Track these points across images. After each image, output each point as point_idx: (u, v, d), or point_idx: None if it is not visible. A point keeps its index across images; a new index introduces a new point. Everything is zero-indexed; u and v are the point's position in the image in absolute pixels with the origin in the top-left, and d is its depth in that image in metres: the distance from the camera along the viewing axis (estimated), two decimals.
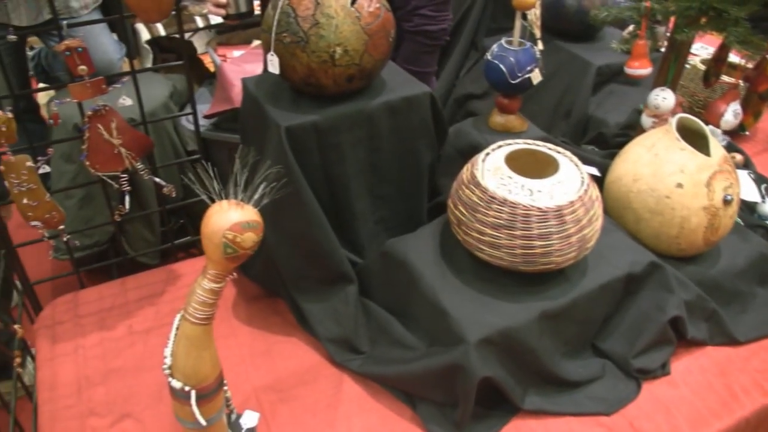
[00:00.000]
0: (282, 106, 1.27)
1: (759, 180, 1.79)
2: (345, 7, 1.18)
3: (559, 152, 1.26)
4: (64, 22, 1.31)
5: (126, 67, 2.57)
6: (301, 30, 1.18)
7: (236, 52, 2.74)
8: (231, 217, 0.92)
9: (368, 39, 1.20)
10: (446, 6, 1.59)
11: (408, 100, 1.32)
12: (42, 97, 3.26)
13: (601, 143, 1.95)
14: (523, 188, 1.17)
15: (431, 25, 1.58)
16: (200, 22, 2.75)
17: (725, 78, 1.97)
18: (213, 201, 0.96)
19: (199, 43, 3.35)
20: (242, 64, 2.54)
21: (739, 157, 1.91)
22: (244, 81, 1.37)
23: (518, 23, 1.42)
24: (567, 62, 2.13)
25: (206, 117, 2.53)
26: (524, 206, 1.14)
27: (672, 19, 1.51)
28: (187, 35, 3.16)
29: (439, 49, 1.63)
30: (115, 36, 2.44)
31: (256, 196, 0.96)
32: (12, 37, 1.28)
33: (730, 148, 1.92)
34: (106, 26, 2.39)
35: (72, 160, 2.19)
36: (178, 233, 2.22)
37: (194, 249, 2.52)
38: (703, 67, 2.05)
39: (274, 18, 1.21)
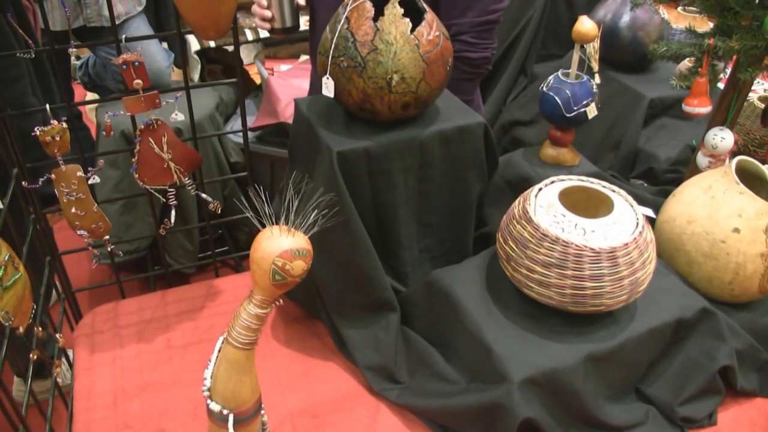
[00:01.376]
0: (334, 130, 1.27)
1: None
2: (404, 34, 1.17)
3: (614, 191, 1.23)
4: (123, 36, 1.33)
5: (175, 76, 2.61)
6: (359, 55, 1.17)
7: (283, 66, 2.77)
8: (282, 244, 0.92)
9: (426, 67, 1.19)
10: (490, 34, 1.56)
11: (461, 129, 1.30)
12: (88, 111, 3.33)
13: (650, 178, 1.91)
14: (577, 227, 1.14)
15: (472, 53, 1.57)
16: (250, 35, 2.78)
17: None
18: (263, 225, 0.95)
19: (245, 53, 3.39)
20: (289, 79, 2.55)
21: None
22: (297, 102, 1.37)
23: (576, 56, 1.39)
24: (619, 93, 2.10)
25: (251, 130, 2.55)
26: (577, 246, 1.11)
27: (734, 57, 1.47)
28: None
29: (479, 77, 1.60)
30: (165, 44, 2.48)
31: (307, 223, 0.95)
32: (72, 50, 1.29)
33: None
34: (153, 34, 2.42)
35: (117, 166, 2.22)
36: (215, 242, 2.23)
37: (230, 260, 2.54)
38: (761, 105, 2.00)
39: (332, 41, 1.20)
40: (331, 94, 1.24)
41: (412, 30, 1.18)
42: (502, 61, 2.43)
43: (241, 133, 1.59)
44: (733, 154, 1.61)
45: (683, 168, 1.86)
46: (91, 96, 3.16)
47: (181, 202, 2.27)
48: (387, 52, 1.16)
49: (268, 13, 1.48)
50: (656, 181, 1.90)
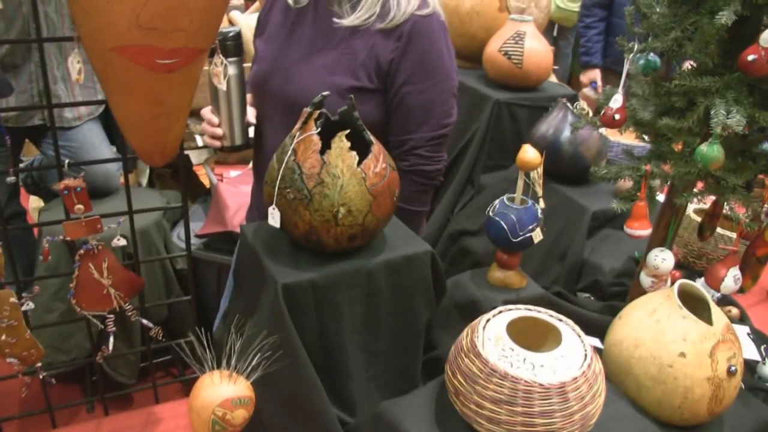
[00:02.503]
0: (280, 261, 1.26)
1: (758, 339, 1.77)
2: (351, 167, 1.18)
3: (561, 320, 1.23)
4: (77, 138, 1.30)
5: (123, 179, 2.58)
6: (306, 187, 1.17)
7: (233, 172, 2.76)
8: (222, 392, 0.88)
9: (373, 199, 1.20)
10: (442, 147, 1.62)
11: (408, 258, 1.31)
12: (32, 202, 3.24)
13: (596, 291, 1.93)
14: (525, 362, 1.13)
15: (427, 165, 1.60)
16: (200, 140, 2.78)
17: (720, 231, 1.98)
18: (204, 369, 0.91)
19: (195, 154, 3.38)
20: (239, 186, 2.55)
21: (735, 311, 1.89)
22: (243, 229, 1.36)
23: (521, 182, 1.42)
24: (563, 205, 2.14)
25: (198, 236, 2.51)
26: (526, 382, 1.10)
27: (670, 183, 1.52)
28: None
29: (434, 188, 1.65)
30: (114, 148, 2.46)
31: (251, 367, 0.91)
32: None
33: (724, 301, 1.91)
34: (105, 138, 2.40)
35: (58, 271, 2.14)
36: (158, 351, 2.13)
37: (174, 368, 2.44)
38: (696, 218, 2.07)
39: (279, 172, 1.20)
40: (277, 225, 1.23)
41: (359, 163, 1.19)
42: (450, 172, 2.47)
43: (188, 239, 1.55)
44: (675, 265, 1.64)
45: (628, 281, 1.89)
46: (34, 199, 3.08)
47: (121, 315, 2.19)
48: (334, 186, 1.16)
49: (219, 131, 1.47)
50: (602, 293, 1.92)
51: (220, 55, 1.32)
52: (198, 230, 2.50)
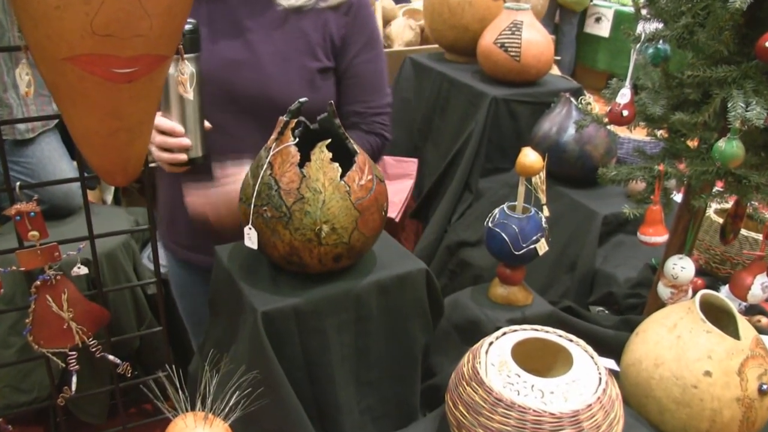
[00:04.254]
0: (259, 285, 1.25)
1: None
2: (334, 180, 1.17)
3: (571, 341, 1.23)
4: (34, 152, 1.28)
5: (90, 196, 2.56)
6: (285, 204, 1.17)
7: None
8: None
9: (359, 215, 1.19)
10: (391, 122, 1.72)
11: (401, 278, 1.30)
12: None
13: (610, 304, 1.93)
14: (534, 388, 1.12)
15: (387, 132, 1.70)
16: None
17: (745, 232, 1.98)
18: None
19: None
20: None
21: (764, 320, 1.89)
22: (217, 251, 1.35)
23: (522, 188, 1.42)
24: (570, 210, 2.15)
25: None
26: (535, 411, 1.09)
27: (686, 183, 1.52)
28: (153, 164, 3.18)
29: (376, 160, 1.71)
30: (75, 163, 2.44)
31: (228, 407, 0.90)
32: None
33: (752, 310, 1.91)
34: (65, 151, 2.38)
35: (14, 303, 2.12)
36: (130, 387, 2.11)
37: (148, 404, 2.42)
38: (718, 220, 2.07)
39: (254, 188, 1.20)
40: (254, 246, 1.22)
41: (343, 175, 1.19)
42: (446, 178, 2.47)
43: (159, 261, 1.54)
44: (696, 272, 1.64)
45: (645, 292, 1.89)
46: None
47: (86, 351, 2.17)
48: (315, 201, 1.16)
49: (186, 141, 1.43)
50: (617, 306, 1.92)
51: (185, 61, 1.31)
52: None
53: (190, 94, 1.36)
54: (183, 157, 1.43)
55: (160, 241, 1.75)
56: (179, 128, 1.41)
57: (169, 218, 1.70)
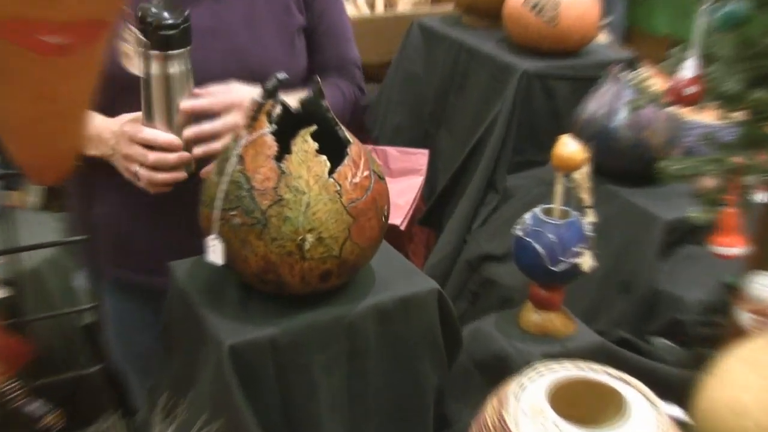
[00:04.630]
0: (225, 312, 1.26)
1: None
2: (320, 177, 1.18)
3: (625, 382, 1.23)
4: None
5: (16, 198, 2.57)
6: (259, 208, 1.18)
7: None
8: None
9: (352, 221, 1.20)
10: None
11: (406, 301, 1.31)
12: None
13: (676, 334, 1.93)
14: None
15: (362, 86, 1.87)
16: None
17: None
18: None
19: None
20: None
21: None
22: (172, 268, 1.36)
23: (559, 187, 1.43)
24: (622, 214, 2.15)
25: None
26: None
27: None
28: None
29: (345, 119, 1.78)
30: None
31: None
32: None
33: None
34: None
35: None
36: None
37: None
38: None
39: (219, 187, 1.20)
40: (220, 261, 1.23)
41: (332, 171, 1.19)
42: (463, 173, 2.48)
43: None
44: None
45: (722, 319, 1.89)
46: None
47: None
48: (297, 204, 1.17)
49: (186, 154, 1.45)
50: (685, 337, 1.92)
51: (134, 29, 1.33)
52: None
53: (137, 70, 1.38)
54: (184, 174, 1.46)
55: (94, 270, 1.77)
56: (176, 140, 1.44)
57: (116, 237, 1.71)
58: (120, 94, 1.51)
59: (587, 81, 2.34)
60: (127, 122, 1.48)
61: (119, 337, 1.84)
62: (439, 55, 2.76)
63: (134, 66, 1.37)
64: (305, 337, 1.24)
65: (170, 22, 1.40)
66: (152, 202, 1.51)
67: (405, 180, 2.71)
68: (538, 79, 2.44)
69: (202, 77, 1.50)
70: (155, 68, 1.43)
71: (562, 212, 1.46)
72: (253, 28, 1.58)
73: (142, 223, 1.63)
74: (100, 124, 1.52)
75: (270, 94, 1.23)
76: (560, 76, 2.47)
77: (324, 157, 1.20)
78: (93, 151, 1.52)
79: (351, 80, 1.83)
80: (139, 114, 1.48)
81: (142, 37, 1.39)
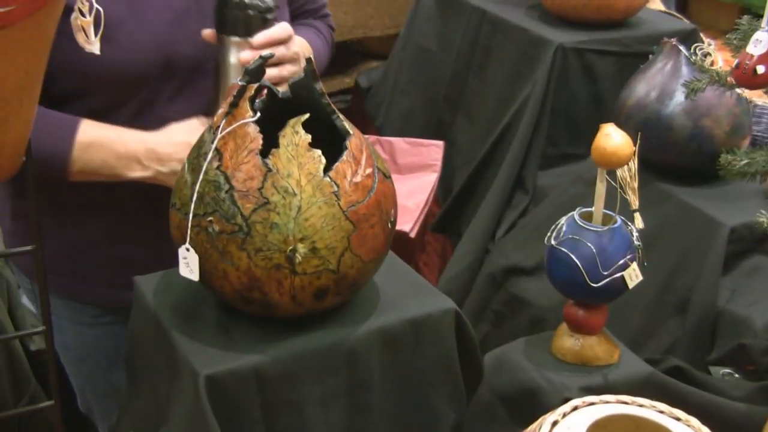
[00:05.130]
0: (202, 337, 1.27)
1: None
2: (314, 176, 1.19)
3: (679, 419, 1.25)
4: None
5: None
6: (240, 213, 1.18)
7: None
8: None
9: (352, 229, 1.21)
10: None
11: (417, 324, 1.32)
12: None
13: (742, 363, 1.94)
14: None
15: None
16: None
17: None
18: None
19: None
20: None
21: None
22: (138, 284, 1.37)
23: (602, 186, 1.44)
24: (677, 219, 2.16)
25: None
26: None
27: None
28: None
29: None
30: None
31: None
32: None
33: None
34: None
35: None
36: None
37: None
38: None
39: (194, 189, 1.21)
40: (195, 276, 1.24)
41: (328, 168, 1.20)
42: (486, 169, 2.49)
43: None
44: None
45: None
46: None
47: None
48: (286, 208, 1.18)
49: None
50: (753, 367, 1.92)
51: None
52: None
53: (93, 47, 1.40)
54: None
55: (53, 289, 1.79)
56: None
57: (76, 249, 1.74)
58: (120, 91, 1.61)
59: (636, 57, 2.35)
60: (183, 133, 1.58)
61: (78, 364, 1.87)
62: (458, 27, 2.76)
63: (92, 44, 1.39)
64: (297, 366, 1.25)
65: (269, 5, 1.48)
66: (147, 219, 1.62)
67: (415, 178, 2.71)
68: (576, 55, 2.45)
69: (170, 68, 1.60)
70: (234, 56, 1.47)
71: (604, 217, 1.47)
72: None
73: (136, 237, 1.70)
74: (130, 140, 1.59)
75: (253, 75, 1.24)
76: (603, 52, 2.47)
77: (318, 152, 1.20)
78: (131, 174, 1.59)
79: (323, 18, 1.96)
80: (191, 122, 1.59)
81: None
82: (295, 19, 1.84)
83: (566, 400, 1.28)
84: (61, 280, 1.75)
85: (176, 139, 1.56)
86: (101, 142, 1.57)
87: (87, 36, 1.33)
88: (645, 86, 2.21)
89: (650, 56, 2.26)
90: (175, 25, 1.57)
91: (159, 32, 1.57)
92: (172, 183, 1.46)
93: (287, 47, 1.57)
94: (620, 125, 1.48)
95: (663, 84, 2.18)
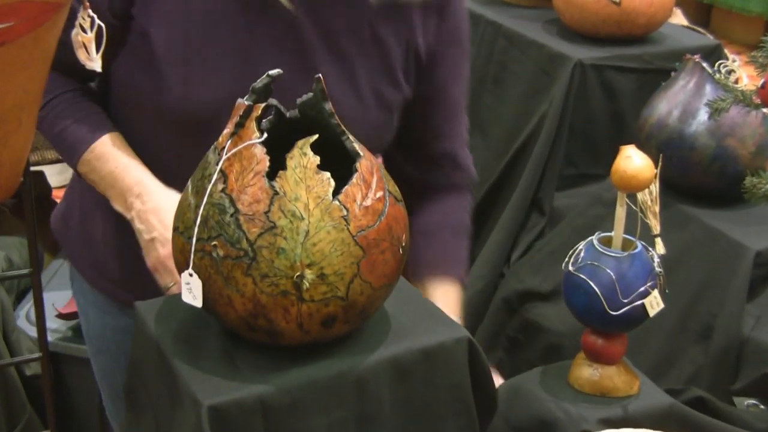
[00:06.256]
0: (205, 365, 1.26)
1: None
2: (323, 199, 1.19)
3: None
4: None
5: None
6: (245, 238, 1.18)
7: None
8: None
9: (363, 255, 1.21)
10: None
11: (428, 353, 1.31)
12: None
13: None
14: None
15: (472, 170, 1.88)
16: None
17: None
18: None
19: (55, 170, 3.41)
20: None
21: None
22: (139, 310, 1.37)
23: (622, 210, 1.44)
24: (701, 242, 2.16)
25: (62, 317, 2.53)
26: None
27: None
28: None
29: None
30: None
31: None
32: None
33: None
34: None
35: None
36: None
37: None
38: None
39: (197, 211, 1.22)
40: (198, 303, 1.24)
41: (337, 191, 1.20)
42: (501, 190, 2.49)
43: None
44: None
45: None
46: None
47: None
48: (293, 233, 1.17)
49: None
50: None
51: (88, 8, 1.34)
52: (63, 306, 2.52)
53: (95, 64, 1.40)
54: None
55: (85, 281, 1.80)
56: None
57: (104, 246, 1.77)
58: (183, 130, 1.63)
59: (657, 74, 2.36)
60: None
61: (98, 357, 1.92)
62: (473, 41, 2.76)
63: (93, 61, 1.39)
64: (303, 397, 1.24)
65: None
66: None
67: None
68: (595, 72, 2.46)
69: None
70: None
71: (624, 242, 1.47)
72: (354, 100, 1.63)
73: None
74: (132, 179, 1.62)
75: (260, 94, 1.24)
76: (623, 68, 2.48)
77: (327, 174, 1.20)
78: (116, 207, 1.64)
79: (465, 175, 1.87)
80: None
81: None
82: (416, 167, 1.81)
83: None
84: (103, 285, 1.80)
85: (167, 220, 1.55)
86: (112, 159, 1.61)
87: (88, 53, 1.34)
88: (667, 104, 2.21)
89: (672, 73, 2.26)
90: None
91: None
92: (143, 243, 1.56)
93: None
94: (641, 145, 1.49)
95: (685, 102, 2.19)
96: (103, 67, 1.26)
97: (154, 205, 1.58)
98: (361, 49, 1.61)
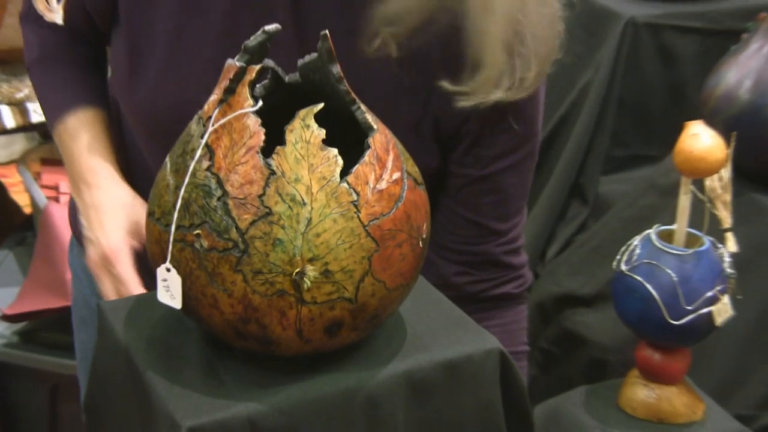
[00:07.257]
0: (182, 379, 1.26)
1: None
2: (328, 181, 1.18)
3: None
4: None
5: None
6: (235, 226, 1.18)
7: None
8: None
9: (375, 248, 1.21)
10: None
11: (453, 367, 1.32)
12: None
13: None
14: None
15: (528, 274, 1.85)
16: (8, 115, 2.81)
17: None
18: None
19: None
20: None
21: None
22: (103, 310, 1.36)
23: (685, 199, 1.43)
24: None
25: (7, 319, 2.54)
26: None
27: None
28: None
29: None
30: None
31: None
32: None
33: None
34: None
35: None
36: None
37: None
38: None
39: (177, 193, 1.21)
40: (177, 304, 1.23)
41: (346, 172, 1.20)
42: (537, 174, 2.48)
43: None
44: None
45: None
46: None
47: None
48: (293, 221, 1.17)
49: None
50: None
51: None
52: (8, 306, 2.53)
53: (55, 16, 1.40)
54: None
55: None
56: None
57: None
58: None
59: (725, 36, 2.36)
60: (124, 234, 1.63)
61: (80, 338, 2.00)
62: None
63: (53, 12, 1.39)
64: (302, 417, 1.24)
65: None
66: None
67: None
68: (650, 32, 2.45)
69: None
70: None
71: (689, 237, 1.46)
72: None
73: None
74: (90, 170, 1.66)
75: (254, 54, 1.24)
76: (684, 28, 2.47)
77: (334, 151, 1.19)
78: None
79: (520, 276, 1.82)
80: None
81: None
82: (474, 294, 1.80)
83: None
84: None
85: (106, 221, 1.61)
86: (77, 137, 1.65)
87: (48, 2, 1.34)
88: (737, 73, 2.20)
89: (743, 35, 2.25)
90: None
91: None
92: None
93: None
94: (704, 121, 1.47)
95: (760, 70, 2.18)
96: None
97: (97, 200, 1.62)
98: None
